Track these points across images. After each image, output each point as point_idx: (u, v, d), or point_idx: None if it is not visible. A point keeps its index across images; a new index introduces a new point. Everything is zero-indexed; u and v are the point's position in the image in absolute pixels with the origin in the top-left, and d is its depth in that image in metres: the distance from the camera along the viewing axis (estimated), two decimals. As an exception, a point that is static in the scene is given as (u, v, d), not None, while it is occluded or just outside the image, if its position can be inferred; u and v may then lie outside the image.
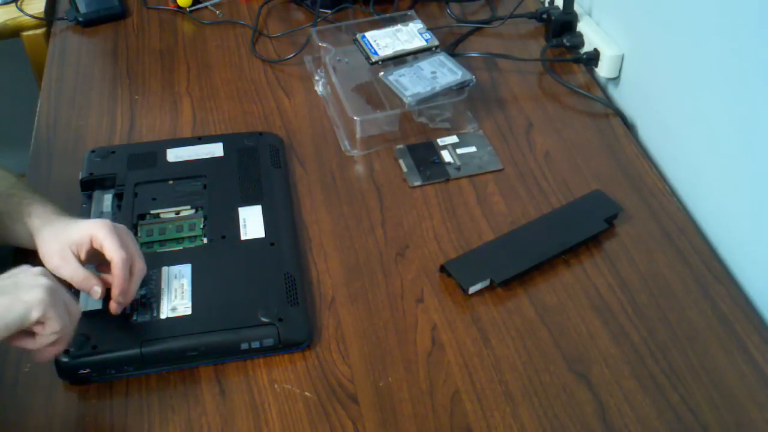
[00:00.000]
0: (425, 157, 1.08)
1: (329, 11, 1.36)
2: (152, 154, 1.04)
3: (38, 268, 0.74)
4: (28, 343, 0.73)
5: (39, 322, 0.71)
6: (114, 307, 0.82)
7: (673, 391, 0.81)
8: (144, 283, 0.86)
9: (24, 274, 0.73)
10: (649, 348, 0.85)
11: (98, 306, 0.84)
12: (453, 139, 1.11)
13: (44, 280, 0.72)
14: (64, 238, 0.82)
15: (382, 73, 1.13)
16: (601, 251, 0.96)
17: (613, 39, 1.21)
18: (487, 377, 0.83)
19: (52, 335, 0.72)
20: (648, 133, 1.15)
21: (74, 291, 0.81)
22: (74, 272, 0.80)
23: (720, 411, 0.80)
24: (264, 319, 0.83)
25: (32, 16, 1.39)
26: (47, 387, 0.82)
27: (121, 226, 0.84)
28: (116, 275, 0.80)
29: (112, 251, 0.80)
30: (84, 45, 1.33)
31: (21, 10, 1.39)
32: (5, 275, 0.73)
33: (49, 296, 0.71)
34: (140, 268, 0.83)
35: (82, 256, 0.81)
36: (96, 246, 0.81)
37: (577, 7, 1.28)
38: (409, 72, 1.13)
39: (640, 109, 1.16)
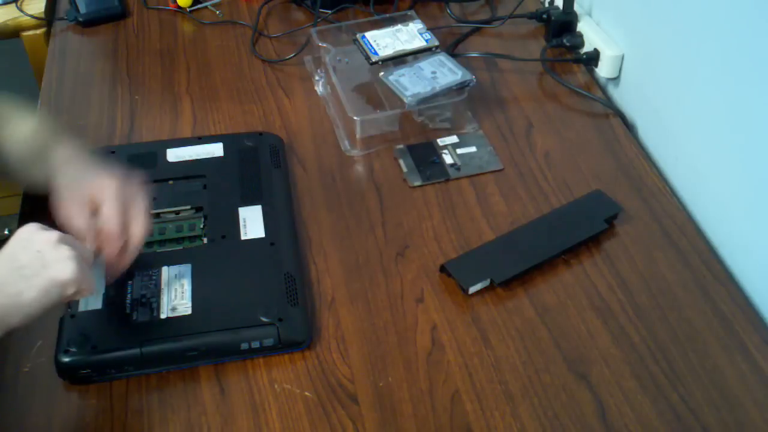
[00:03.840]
0: (425, 157, 1.08)
1: (329, 11, 1.36)
2: (152, 154, 1.04)
3: (53, 233, 0.72)
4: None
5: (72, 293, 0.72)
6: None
7: (673, 391, 0.81)
8: (144, 283, 0.86)
9: (44, 245, 0.71)
10: (649, 348, 0.85)
11: (98, 306, 0.84)
12: (453, 139, 1.11)
13: (68, 251, 0.71)
14: (77, 189, 0.80)
15: (382, 73, 1.13)
16: (601, 251, 0.96)
17: (613, 39, 1.21)
18: (487, 377, 0.83)
19: (80, 298, 0.74)
20: (648, 133, 1.15)
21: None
22: (83, 226, 0.78)
23: (720, 411, 0.80)
24: (264, 319, 0.83)
25: (32, 16, 1.39)
26: (47, 387, 0.82)
27: (132, 187, 0.81)
28: (106, 242, 0.78)
29: (105, 218, 0.78)
30: (84, 45, 1.33)
31: (21, 10, 1.39)
32: (18, 242, 0.71)
33: (80, 269, 0.71)
34: (137, 234, 0.80)
35: (92, 208, 0.79)
36: (98, 202, 0.79)
37: (577, 7, 1.28)
38: (409, 72, 1.13)
39: (640, 109, 1.16)
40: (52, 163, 0.83)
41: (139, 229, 0.81)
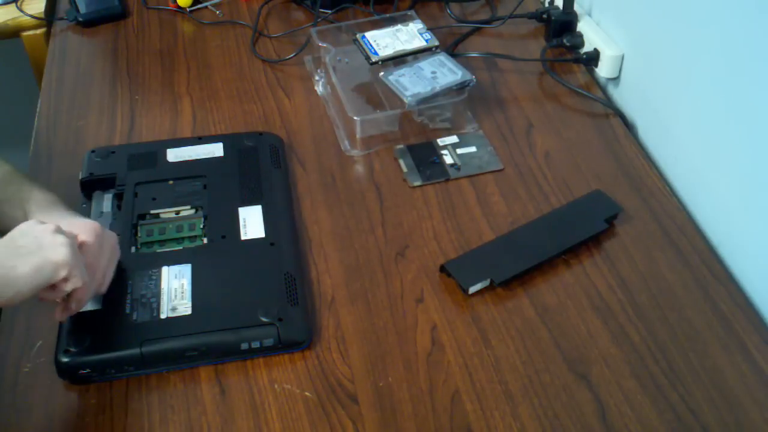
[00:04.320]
0: (425, 157, 1.08)
1: (329, 11, 1.36)
2: (152, 154, 1.04)
3: (51, 225, 0.76)
4: (49, 295, 0.76)
5: (63, 279, 0.74)
6: (58, 311, 0.80)
7: (673, 391, 0.81)
8: (144, 282, 0.86)
9: (42, 232, 0.75)
10: (649, 348, 0.85)
11: (98, 306, 0.84)
12: (453, 139, 1.11)
13: (63, 238, 0.75)
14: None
15: (382, 73, 1.13)
16: (601, 251, 0.96)
17: (613, 39, 1.21)
18: (487, 377, 0.83)
19: (72, 288, 0.75)
20: (648, 133, 1.15)
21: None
22: None
23: (720, 411, 0.80)
24: (264, 319, 0.83)
25: (32, 16, 1.39)
26: (47, 387, 0.82)
27: (110, 238, 0.84)
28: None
29: (85, 250, 0.79)
30: (84, 45, 1.33)
31: (21, 10, 1.39)
32: (17, 233, 0.75)
33: (73, 255, 0.74)
34: (101, 284, 0.82)
35: None
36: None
37: (577, 7, 1.28)
38: (409, 72, 1.13)
39: (640, 109, 1.16)
40: (28, 207, 0.84)
41: (108, 277, 0.83)
